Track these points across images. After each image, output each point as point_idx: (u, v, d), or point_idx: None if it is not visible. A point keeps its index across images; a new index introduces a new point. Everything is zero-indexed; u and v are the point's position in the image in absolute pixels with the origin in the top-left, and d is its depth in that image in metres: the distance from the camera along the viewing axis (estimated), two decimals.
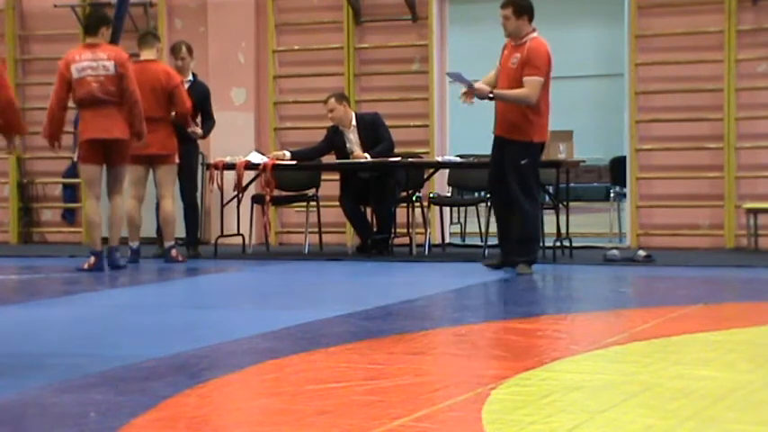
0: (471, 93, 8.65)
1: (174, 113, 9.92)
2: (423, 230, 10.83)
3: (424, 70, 11.81)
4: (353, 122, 10.53)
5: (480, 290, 8.02)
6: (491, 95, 8.66)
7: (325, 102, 10.56)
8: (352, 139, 10.51)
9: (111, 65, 9.00)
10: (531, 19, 8.72)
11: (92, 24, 9.33)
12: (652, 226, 11.32)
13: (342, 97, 10.61)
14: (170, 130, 9.89)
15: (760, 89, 10.99)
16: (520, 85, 8.59)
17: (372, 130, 10.49)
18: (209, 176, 10.68)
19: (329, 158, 10.79)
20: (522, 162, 8.68)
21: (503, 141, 8.79)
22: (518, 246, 8.76)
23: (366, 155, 10.28)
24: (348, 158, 10.44)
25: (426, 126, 11.78)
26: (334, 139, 10.60)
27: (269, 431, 3.67)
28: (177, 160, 9.95)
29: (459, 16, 13.70)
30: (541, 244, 9.51)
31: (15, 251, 11.60)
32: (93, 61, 9.03)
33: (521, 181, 8.75)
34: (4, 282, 8.79)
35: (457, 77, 8.83)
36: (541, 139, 8.78)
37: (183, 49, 10.50)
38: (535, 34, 8.70)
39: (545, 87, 8.65)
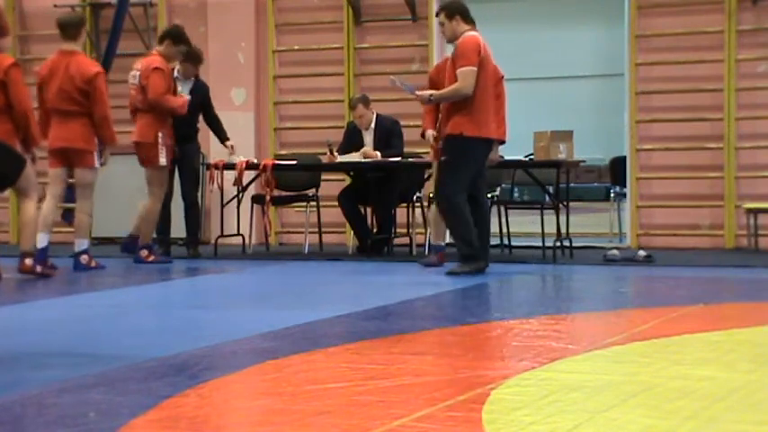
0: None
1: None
2: (423, 230, 10.83)
3: (424, 70, 11.79)
4: (372, 124, 10.60)
5: (480, 290, 8.02)
6: (431, 98, 8.68)
7: (353, 108, 10.66)
8: (368, 140, 10.58)
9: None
10: (464, 19, 8.66)
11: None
12: (652, 226, 11.32)
13: (367, 101, 10.68)
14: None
15: (760, 89, 10.99)
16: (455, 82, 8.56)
17: (386, 136, 10.57)
18: (209, 176, 10.69)
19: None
20: (443, 158, 8.62)
21: None
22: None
23: (377, 153, 10.40)
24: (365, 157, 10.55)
25: None
26: (353, 138, 10.67)
27: (269, 431, 3.67)
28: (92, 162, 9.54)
29: None
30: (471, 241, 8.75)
31: (15, 251, 11.57)
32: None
33: (439, 178, 8.71)
34: (4, 281, 8.78)
35: (400, 85, 8.93)
36: (477, 134, 8.50)
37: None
38: (470, 33, 8.63)
39: (483, 84, 8.51)
